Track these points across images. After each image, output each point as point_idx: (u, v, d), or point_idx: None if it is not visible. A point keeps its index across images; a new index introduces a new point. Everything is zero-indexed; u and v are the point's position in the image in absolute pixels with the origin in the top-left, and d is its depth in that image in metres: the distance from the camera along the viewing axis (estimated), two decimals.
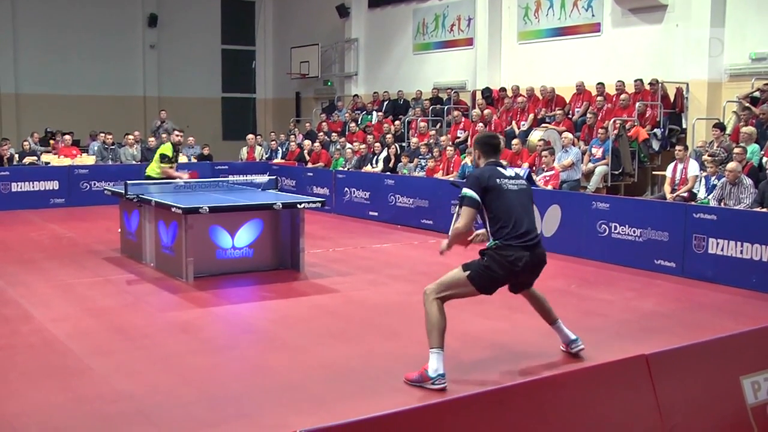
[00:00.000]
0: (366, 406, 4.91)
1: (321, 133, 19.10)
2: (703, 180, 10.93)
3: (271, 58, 26.13)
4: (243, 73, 26.10)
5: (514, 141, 13.87)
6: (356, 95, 21.14)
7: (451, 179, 13.01)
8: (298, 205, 9.37)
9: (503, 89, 16.67)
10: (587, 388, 3.80)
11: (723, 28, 13.46)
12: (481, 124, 15.37)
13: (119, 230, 10.79)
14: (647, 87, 13.98)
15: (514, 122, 15.62)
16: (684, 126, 13.89)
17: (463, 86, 18.53)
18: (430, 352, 5.31)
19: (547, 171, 12.51)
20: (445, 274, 5.53)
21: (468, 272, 5.40)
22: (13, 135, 19.86)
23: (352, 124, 19.13)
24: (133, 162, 17.13)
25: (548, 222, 10.90)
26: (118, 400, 5.18)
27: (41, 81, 22.15)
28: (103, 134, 18.00)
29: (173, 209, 8.67)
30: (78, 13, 22.60)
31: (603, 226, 10.24)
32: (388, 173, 15.12)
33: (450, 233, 5.48)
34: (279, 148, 19.07)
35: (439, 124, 17.31)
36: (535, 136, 13.94)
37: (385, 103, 19.59)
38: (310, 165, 17.40)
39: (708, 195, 10.51)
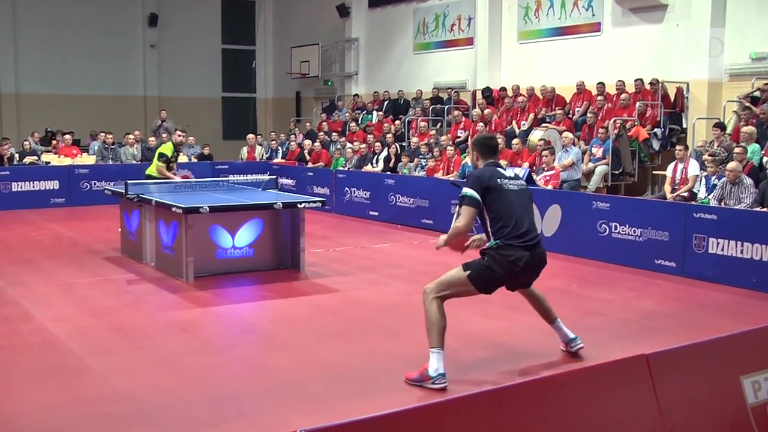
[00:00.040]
0: (366, 406, 4.91)
1: (321, 133, 19.10)
2: (704, 180, 10.93)
3: (271, 57, 26.13)
4: (243, 73, 26.10)
5: (515, 141, 13.87)
6: (356, 95, 21.14)
7: (452, 179, 13.01)
8: (299, 205, 9.37)
9: (503, 89, 16.66)
10: (587, 388, 3.80)
11: (723, 28, 13.46)
12: (481, 124, 15.38)
13: (119, 230, 10.79)
14: (647, 87, 13.98)
15: (514, 122, 15.61)
16: (684, 126, 13.89)
17: (463, 86, 18.53)
18: (430, 351, 5.31)
19: (547, 171, 12.51)
20: (444, 274, 5.53)
21: (468, 272, 5.40)
22: (13, 135, 19.87)
23: (353, 124, 19.14)
24: (134, 162, 17.14)
25: (548, 222, 10.90)
26: (119, 399, 5.18)
27: (42, 81, 22.15)
28: (103, 134, 18.00)
29: (173, 209, 8.67)
30: (78, 13, 22.60)
31: (603, 225, 10.24)
32: (389, 173, 15.11)
33: (450, 231, 5.47)
34: (279, 147, 19.07)
35: (439, 124, 17.31)
36: (536, 135, 13.94)
37: (386, 102, 19.59)
38: (310, 165, 17.40)
39: (708, 195, 10.51)
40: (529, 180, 12.10)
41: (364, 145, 16.72)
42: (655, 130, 13.73)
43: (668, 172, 11.59)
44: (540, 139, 13.44)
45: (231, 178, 13.65)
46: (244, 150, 19.19)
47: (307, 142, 18.25)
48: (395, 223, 13.58)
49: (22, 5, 21.96)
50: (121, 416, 4.91)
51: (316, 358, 6.11)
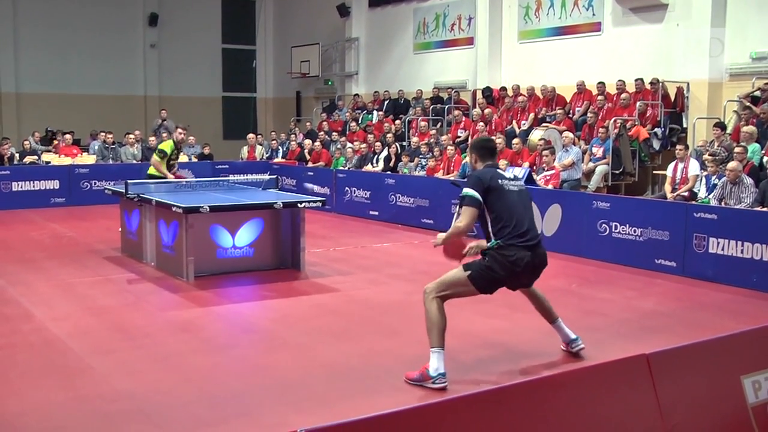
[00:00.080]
0: (367, 405, 4.91)
1: (321, 133, 19.10)
2: (704, 179, 10.93)
3: (271, 57, 26.13)
4: (243, 73, 26.10)
5: (515, 140, 13.87)
6: (357, 94, 21.14)
7: (452, 178, 13.01)
8: (299, 205, 9.37)
9: (504, 88, 16.66)
10: (588, 388, 3.79)
11: (724, 28, 13.46)
12: (481, 124, 15.37)
13: (119, 229, 10.79)
14: (648, 86, 13.98)
15: (514, 121, 15.61)
16: (685, 125, 13.88)
17: (463, 85, 18.53)
18: (431, 351, 5.31)
19: (547, 170, 12.51)
20: (445, 274, 5.53)
21: (469, 272, 5.40)
22: (13, 134, 19.88)
23: (353, 124, 19.14)
24: (134, 161, 17.14)
25: (549, 221, 10.90)
26: (119, 399, 5.18)
27: (42, 80, 22.15)
28: (103, 133, 18.00)
29: (174, 208, 8.67)
30: (79, 13, 22.59)
31: (603, 225, 10.24)
32: (389, 172, 15.11)
33: (450, 230, 5.47)
34: (279, 147, 19.08)
35: (439, 124, 17.30)
36: (536, 135, 13.94)
37: (386, 102, 19.59)
38: (310, 164, 17.40)
39: (708, 194, 10.51)
40: (530, 180, 12.11)
41: (364, 145, 16.72)
42: (656, 129, 13.73)
43: (668, 172, 11.59)
44: (540, 139, 13.44)
45: (231, 177, 13.65)
46: (245, 150, 19.20)
47: (308, 141, 18.25)
48: (395, 223, 13.58)
49: (23, 5, 21.96)
50: (122, 415, 4.92)
51: (317, 357, 6.11)
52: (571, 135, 13.19)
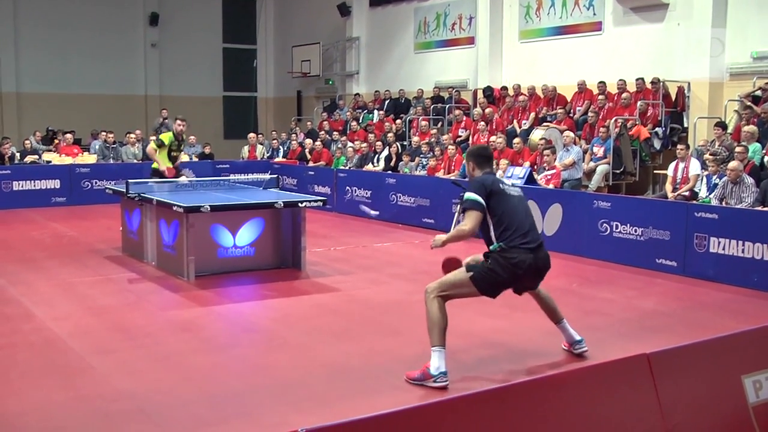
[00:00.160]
0: (367, 405, 4.91)
1: (322, 132, 19.10)
2: (705, 179, 10.92)
3: (272, 56, 26.13)
4: (244, 72, 26.09)
5: (516, 140, 13.86)
6: (357, 94, 21.14)
7: (453, 178, 13.01)
8: (300, 204, 9.37)
9: (504, 88, 16.66)
10: (588, 387, 3.79)
11: (724, 27, 13.46)
12: (482, 123, 15.37)
13: (120, 229, 10.79)
14: (649, 86, 13.97)
15: (515, 121, 15.61)
16: (685, 125, 13.89)
17: (464, 85, 18.53)
18: (432, 350, 5.32)
19: (548, 170, 12.51)
20: (447, 274, 5.54)
21: (471, 273, 5.41)
22: (14, 134, 19.88)
23: (354, 123, 19.13)
24: (135, 161, 17.15)
25: (550, 221, 10.90)
26: (120, 398, 5.18)
27: (43, 80, 22.17)
28: (104, 133, 18.01)
29: (175, 208, 8.67)
30: (79, 12, 22.60)
31: (604, 225, 10.23)
32: (390, 172, 15.11)
33: (453, 232, 5.48)
34: (280, 146, 19.08)
35: (440, 123, 17.30)
36: (537, 134, 13.95)
37: (387, 101, 19.58)
38: (311, 164, 17.40)
39: (709, 194, 10.50)
40: (530, 179, 12.11)
41: (365, 145, 16.72)
42: (657, 129, 13.73)
43: (669, 172, 11.58)
44: (541, 139, 13.44)
45: (232, 177, 13.66)
46: (245, 149, 19.20)
47: (308, 141, 18.25)
48: (396, 223, 13.58)
49: (23, 4, 21.97)
50: (122, 415, 4.92)
51: (317, 357, 6.11)
52: (571, 134, 13.18)
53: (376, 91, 20.47)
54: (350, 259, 10.43)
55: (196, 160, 17.96)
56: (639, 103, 13.76)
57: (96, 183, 15.94)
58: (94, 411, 4.97)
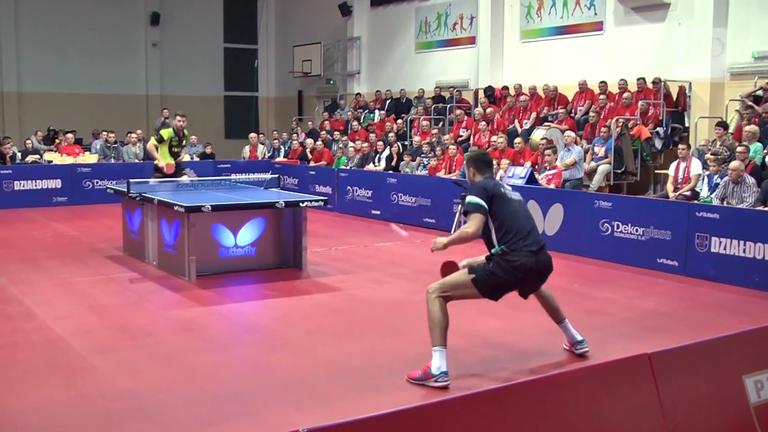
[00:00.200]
0: (368, 404, 4.91)
1: (323, 132, 19.10)
2: (706, 179, 10.92)
3: (273, 56, 26.14)
4: (245, 72, 26.10)
5: (517, 140, 13.87)
6: (359, 94, 21.14)
7: (454, 178, 13.01)
8: (301, 204, 9.37)
9: (506, 88, 16.66)
10: (589, 387, 3.79)
11: (725, 27, 13.46)
12: (483, 123, 15.37)
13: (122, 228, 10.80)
14: (650, 85, 13.97)
15: (516, 121, 15.61)
16: (687, 124, 13.89)
17: (465, 85, 18.53)
18: (433, 350, 5.32)
19: (549, 170, 12.50)
20: (449, 275, 5.55)
21: (473, 275, 5.43)
22: (15, 133, 19.89)
23: (355, 123, 19.13)
24: (136, 160, 17.15)
25: (551, 221, 10.90)
26: (121, 398, 5.19)
27: (44, 79, 22.18)
28: (105, 133, 18.01)
29: (176, 207, 8.68)
30: (80, 12, 22.61)
31: (605, 224, 10.23)
32: (391, 172, 15.11)
33: (455, 234, 5.48)
34: (281, 146, 19.08)
35: (441, 123, 17.30)
36: (538, 134, 13.95)
37: (388, 101, 19.59)
38: (312, 163, 17.40)
39: (711, 194, 10.50)
40: (532, 179, 12.11)
41: (366, 144, 16.72)
42: (658, 129, 13.72)
43: (670, 171, 11.58)
44: (542, 138, 13.43)
45: (233, 176, 13.66)
46: (246, 149, 19.21)
47: (309, 141, 18.26)
48: (397, 222, 13.55)
49: (24, 4, 21.98)
50: (124, 414, 4.92)
51: (318, 356, 6.11)
52: (573, 134, 13.19)
53: (377, 91, 20.47)
54: (351, 258, 10.43)
55: (198, 159, 17.97)
56: (640, 102, 13.76)
57: (97, 183, 15.95)
58: (95, 410, 4.97)
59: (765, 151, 11.03)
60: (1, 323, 6.97)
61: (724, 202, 9.86)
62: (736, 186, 9.85)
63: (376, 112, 19.41)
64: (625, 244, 9.95)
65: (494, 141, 14.08)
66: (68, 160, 16.91)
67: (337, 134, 18.60)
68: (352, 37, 21.94)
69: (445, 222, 12.27)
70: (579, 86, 15.14)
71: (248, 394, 5.27)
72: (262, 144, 19.30)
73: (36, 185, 15.76)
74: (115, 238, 11.08)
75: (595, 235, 10.31)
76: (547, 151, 12.62)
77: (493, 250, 5.46)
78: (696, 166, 11.21)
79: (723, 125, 11.88)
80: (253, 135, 19.60)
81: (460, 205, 11.35)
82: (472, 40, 18.44)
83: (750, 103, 12.29)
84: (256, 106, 26.42)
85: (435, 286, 5.44)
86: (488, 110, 15.80)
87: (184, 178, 11.28)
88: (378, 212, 14.19)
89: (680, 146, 11.70)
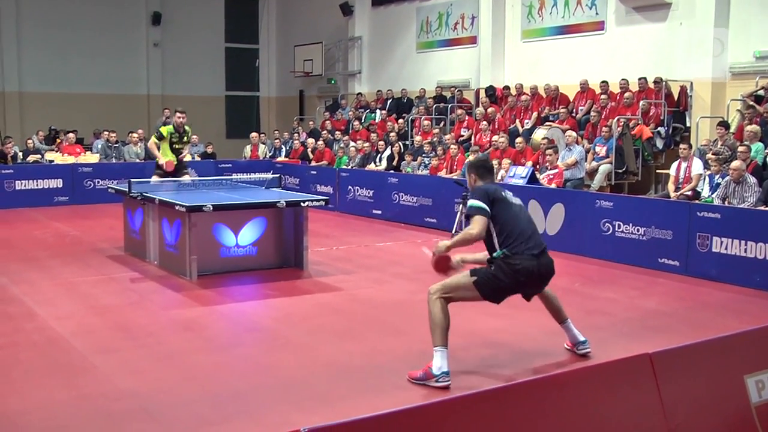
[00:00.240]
0: (369, 404, 4.92)
1: (325, 132, 19.10)
2: (707, 178, 10.91)
3: (274, 56, 26.15)
4: (246, 72, 26.12)
5: (518, 139, 13.87)
6: (360, 93, 21.14)
7: (455, 177, 13.02)
8: (302, 204, 9.37)
9: (507, 87, 16.66)
10: (591, 387, 3.79)
11: (727, 27, 13.46)
12: (484, 123, 15.36)
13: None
14: (651, 85, 13.97)
15: (517, 120, 15.61)
16: (688, 124, 13.89)
17: (466, 84, 18.52)
18: (434, 350, 5.33)
19: (550, 169, 12.50)
20: (451, 277, 5.55)
21: (475, 278, 5.44)
22: (16, 133, 19.91)
23: (356, 123, 19.13)
24: (137, 160, 17.16)
25: (552, 221, 10.90)
26: (122, 397, 5.19)
27: (45, 79, 22.20)
28: (106, 132, 18.03)
29: (177, 207, 8.68)
30: (81, 12, 22.63)
31: (607, 224, 10.23)
32: (392, 171, 15.11)
33: (459, 236, 5.49)
34: (283, 146, 19.09)
35: (442, 123, 17.30)
36: (539, 134, 13.94)
37: (389, 101, 19.59)
38: (313, 163, 17.40)
39: (712, 193, 10.49)
40: (533, 179, 12.10)
41: (367, 144, 16.72)
42: (659, 128, 13.72)
43: (672, 171, 11.57)
44: (543, 138, 13.43)
45: (234, 176, 13.67)
46: (248, 148, 19.22)
47: (311, 140, 18.26)
48: (399, 222, 13.58)
49: (26, 4, 22.00)
50: (125, 414, 4.92)
51: (319, 356, 6.12)
52: (574, 134, 13.18)
53: (378, 91, 20.48)
54: (352, 258, 10.43)
55: (199, 159, 17.98)
56: (641, 102, 13.76)
57: (98, 182, 15.96)
58: (96, 410, 4.97)
59: (766, 150, 11.02)
60: (3, 323, 6.97)
61: (726, 202, 9.85)
62: (738, 186, 9.85)
63: (378, 111, 19.41)
64: (627, 244, 9.95)
65: (495, 141, 14.07)
66: (69, 159, 16.92)
67: (338, 134, 18.61)
68: (354, 36, 21.94)
69: (446, 222, 12.27)
70: (580, 86, 15.13)
71: (249, 393, 5.27)
72: (264, 144, 19.30)
73: (37, 185, 15.78)
74: (116, 238, 11.08)
75: (597, 235, 10.31)
76: (549, 151, 12.61)
77: (494, 254, 5.48)
78: (697, 166, 11.20)
79: (724, 125, 11.88)
80: (254, 135, 19.61)
81: (461, 205, 11.35)
82: (473, 40, 18.44)
83: (751, 103, 12.29)
84: (257, 105, 26.43)
85: (436, 287, 5.45)
86: (489, 110, 15.80)
87: (186, 178, 11.29)
88: (379, 212, 14.19)
89: (681, 146, 11.69)
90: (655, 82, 13.87)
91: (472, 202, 5.47)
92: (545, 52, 16.79)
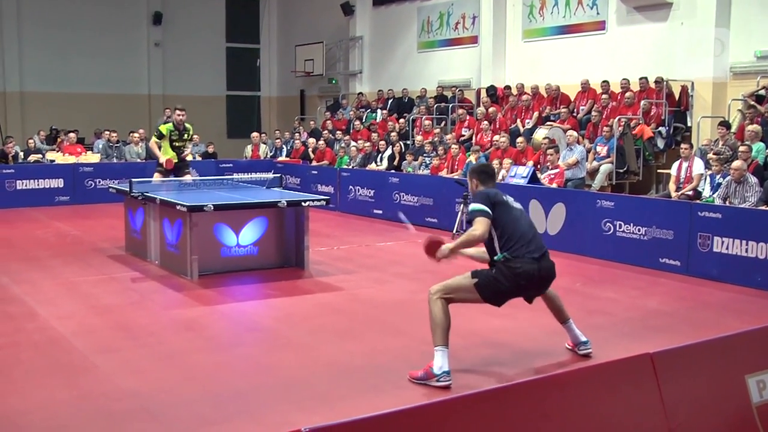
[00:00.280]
0: (370, 404, 4.92)
1: (326, 131, 19.10)
2: (708, 178, 10.90)
3: (275, 56, 26.15)
4: (248, 71, 26.11)
5: (519, 139, 13.86)
6: (361, 93, 21.14)
7: (456, 177, 13.01)
8: (303, 203, 9.37)
9: (508, 87, 16.66)
10: (592, 387, 3.79)
11: (728, 27, 13.45)
12: (485, 122, 15.36)
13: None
14: (652, 85, 13.96)
15: (518, 120, 15.60)
16: (689, 124, 13.88)
17: (467, 84, 18.51)
18: (435, 350, 5.33)
19: (551, 169, 12.49)
20: (452, 277, 5.57)
21: (476, 280, 5.46)
22: (17, 133, 19.89)
23: (357, 122, 19.13)
24: (138, 160, 17.17)
25: (553, 220, 10.89)
26: (123, 397, 5.19)
27: (46, 79, 22.20)
28: (107, 132, 18.04)
29: (178, 207, 8.68)
30: (82, 11, 22.63)
31: (608, 224, 10.22)
32: (393, 171, 15.11)
33: (463, 237, 5.49)
34: (284, 146, 19.09)
35: (443, 122, 17.30)
36: (540, 134, 13.93)
37: (390, 101, 19.58)
38: (314, 163, 17.40)
39: (713, 193, 10.48)
40: (534, 179, 12.10)
41: (368, 144, 16.71)
42: (660, 128, 13.71)
43: (673, 171, 11.56)
44: (544, 138, 13.42)
45: (235, 176, 13.68)
46: (249, 148, 19.22)
47: (312, 140, 18.26)
48: (400, 222, 13.56)
49: (27, 4, 22.00)
50: (126, 414, 4.92)
51: (320, 356, 6.12)
52: (575, 134, 13.18)
53: (379, 91, 20.47)
54: (353, 258, 10.43)
55: (200, 159, 17.98)
56: (642, 102, 13.75)
57: (99, 182, 15.96)
58: (97, 410, 4.98)
59: (767, 150, 11.01)
60: (4, 323, 6.97)
61: (727, 202, 9.85)
62: (739, 186, 9.84)
63: (378, 111, 19.41)
64: (628, 244, 9.95)
65: (496, 140, 14.06)
66: (70, 159, 16.92)
67: (339, 134, 18.59)
68: (355, 36, 21.94)
69: (447, 221, 12.27)
70: (581, 85, 15.13)
71: (250, 393, 5.27)
72: (265, 143, 19.31)
73: (38, 185, 15.79)
74: (117, 238, 11.08)
75: (598, 235, 10.31)
76: (550, 151, 12.60)
77: (495, 258, 5.49)
78: (698, 166, 11.20)
79: (725, 125, 11.87)
80: (255, 134, 19.62)
81: (462, 205, 11.35)
82: (474, 40, 18.43)
83: (752, 103, 12.28)
84: (258, 105, 26.43)
85: (437, 288, 5.46)
86: (490, 110, 15.79)
87: (187, 178, 11.29)
88: (380, 212, 14.19)
89: (682, 146, 11.68)
90: (656, 81, 13.87)
91: (474, 205, 5.50)
92: (546, 52, 16.78)
